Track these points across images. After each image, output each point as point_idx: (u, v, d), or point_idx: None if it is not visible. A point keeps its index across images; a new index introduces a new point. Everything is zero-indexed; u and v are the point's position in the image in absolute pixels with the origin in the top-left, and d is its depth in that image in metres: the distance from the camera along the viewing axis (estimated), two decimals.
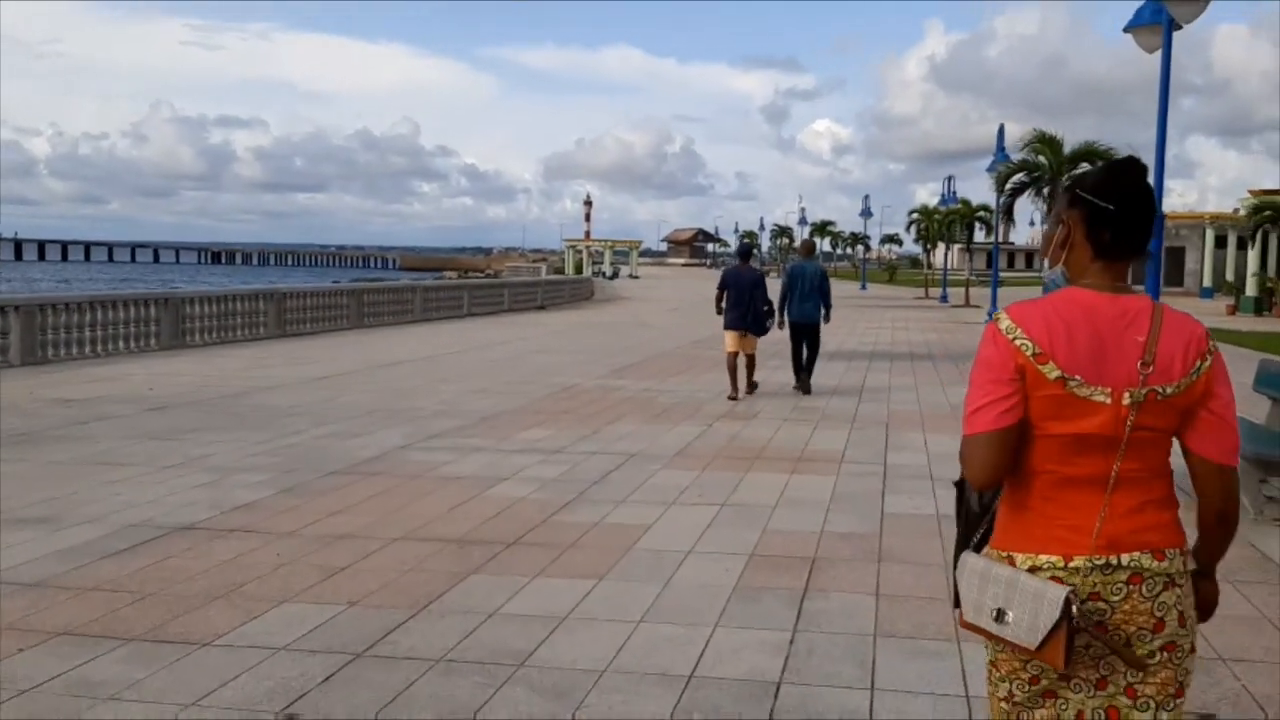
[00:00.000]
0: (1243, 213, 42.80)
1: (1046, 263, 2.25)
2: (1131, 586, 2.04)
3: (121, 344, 17.96)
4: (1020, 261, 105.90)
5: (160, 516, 6.65)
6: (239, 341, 20.70)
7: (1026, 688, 2.14)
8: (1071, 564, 2.05)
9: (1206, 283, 53.78)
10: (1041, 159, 23.14)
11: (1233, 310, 38.17)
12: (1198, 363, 2.06)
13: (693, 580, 5.44)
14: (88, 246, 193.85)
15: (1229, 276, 55.15)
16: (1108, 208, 2.10)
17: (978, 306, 38.70)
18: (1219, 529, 2.17)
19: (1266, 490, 7.08)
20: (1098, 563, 2.04)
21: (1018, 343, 2.06)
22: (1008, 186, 24.15)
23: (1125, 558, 2.04)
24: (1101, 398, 2.03)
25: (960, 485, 2.31)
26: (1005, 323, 2.10)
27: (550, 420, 10.81)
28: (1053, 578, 2.05)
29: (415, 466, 8.34)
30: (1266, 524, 6.70)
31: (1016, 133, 27.34)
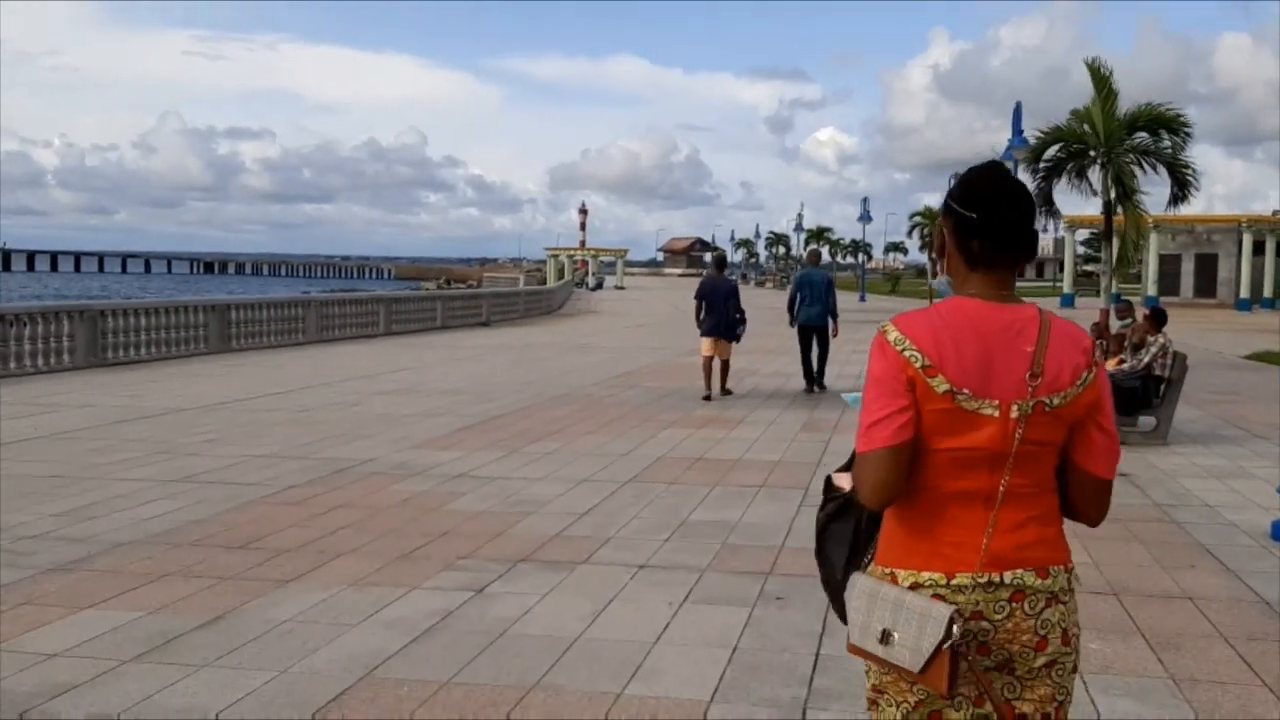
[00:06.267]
0: None
1: (939, 269, 1.91)
2: (1014, 604, 1.97)
3: None
4: (1031, 270, 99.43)
5: None
6: (23, 375, 15.63)
7: (912, 712, 2.04)
8: (954, 581, 1.97)
9: (1244, 293, 48.44)
10: (1087, 127, 17.25)
11: None
12: (1085, 374, 1.98)
13: None
14: (78, 257, 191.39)
15: (1268, 287, 49.87)
16: (971, 216, 2.03)
17: None
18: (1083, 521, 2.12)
19: None
20: (980, 580, 1.97)
21: (907, 354, 1.97)
22: (1040, 165, 18.32)
23: (1008, 575, 1.97)
24: (990, 411, 1.95)
25: (832, 500, 2.23)
26: (894, 334, 2.00)
27: (194, 566, 5.62)
28: (935, 595, 1.96)
29: None
30: None
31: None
